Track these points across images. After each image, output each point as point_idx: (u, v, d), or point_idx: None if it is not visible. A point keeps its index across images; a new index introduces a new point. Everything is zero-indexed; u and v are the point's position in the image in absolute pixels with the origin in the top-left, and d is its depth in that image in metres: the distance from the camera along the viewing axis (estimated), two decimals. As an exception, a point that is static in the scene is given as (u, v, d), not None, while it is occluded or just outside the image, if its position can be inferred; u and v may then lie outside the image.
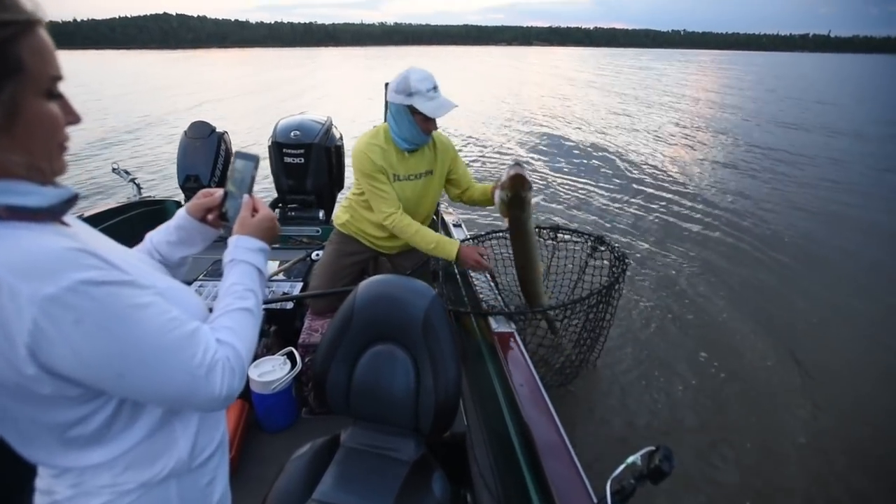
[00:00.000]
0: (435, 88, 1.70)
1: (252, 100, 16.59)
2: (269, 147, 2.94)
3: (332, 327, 1.33)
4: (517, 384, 1.39)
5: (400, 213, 1.82)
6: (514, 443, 1.26)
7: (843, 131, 11.17)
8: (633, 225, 5.27)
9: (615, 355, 2.90)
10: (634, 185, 6.72)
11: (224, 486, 0.75)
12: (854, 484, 2.09)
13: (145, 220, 2.73)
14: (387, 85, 1.80)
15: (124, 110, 13.75)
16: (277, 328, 2.09)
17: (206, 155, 2.96)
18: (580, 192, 6.50)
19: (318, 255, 2.41)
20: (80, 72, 31.30)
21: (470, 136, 10.07)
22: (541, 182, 6.85)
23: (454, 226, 2.71)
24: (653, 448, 0.84)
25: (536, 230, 2.33)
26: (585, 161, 8.17)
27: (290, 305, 2.09)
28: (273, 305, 2.07)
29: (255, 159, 0.84)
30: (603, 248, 2.25)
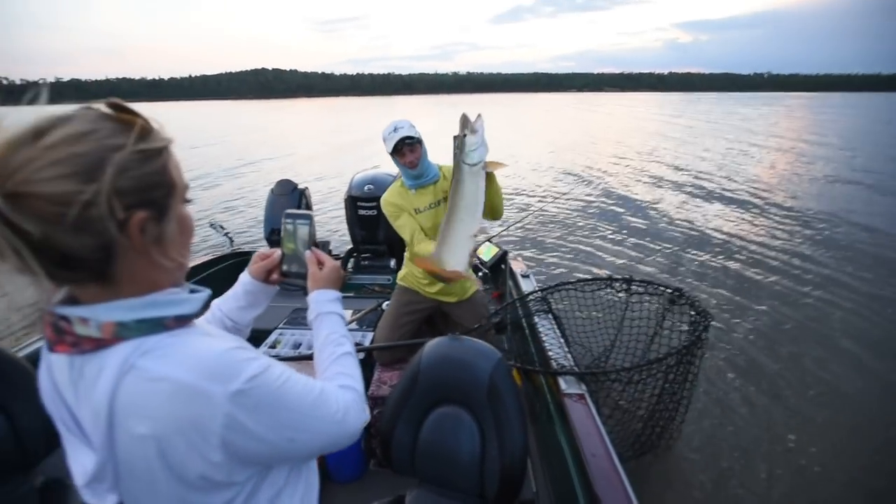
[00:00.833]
0: (395, 129, 1.91)
1: (333, 151, 17.90)
2: (345, 200, 3.14)
3: (399, 386, 1.35)
4: (588, 454, 1.32)
5: (418, 236, 2.01)
6: None
7: None
8: (713, 277, 4.91)
9: (698, 425, 2.66)
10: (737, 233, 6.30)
11: None
12: None
13: (236, 270, 2.99)
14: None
15: (225, 154, 15.68)
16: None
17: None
18: (662, 242, 6.21)
19: (388, 305, 2.49)
20: (193, 121, 35.53)
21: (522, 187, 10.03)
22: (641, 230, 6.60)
23: (522, 276, 2.69)
24: None
25: (608, 281, 2.25)
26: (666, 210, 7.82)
27: (361, 356, 2.15)
28: None
29: (309, 218, 0.89)
30: (682, 303, 2.10)
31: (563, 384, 1.63)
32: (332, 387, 0.70)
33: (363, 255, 3.30)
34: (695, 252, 5.69)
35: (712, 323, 1.93)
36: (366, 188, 3.07)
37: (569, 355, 1.83)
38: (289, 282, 0.91)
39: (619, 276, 2.27)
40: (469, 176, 1.45)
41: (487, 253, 3.23)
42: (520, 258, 3.06)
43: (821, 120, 30.07)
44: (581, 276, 5.10)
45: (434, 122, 25.66)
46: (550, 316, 2.16)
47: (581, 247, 6.02)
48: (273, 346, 2.15)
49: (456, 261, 1.52)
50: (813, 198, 8.33)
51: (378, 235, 3.15)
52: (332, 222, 7.20)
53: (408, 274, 2.27)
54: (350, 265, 3.27)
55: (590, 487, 1.22)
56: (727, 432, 2.65)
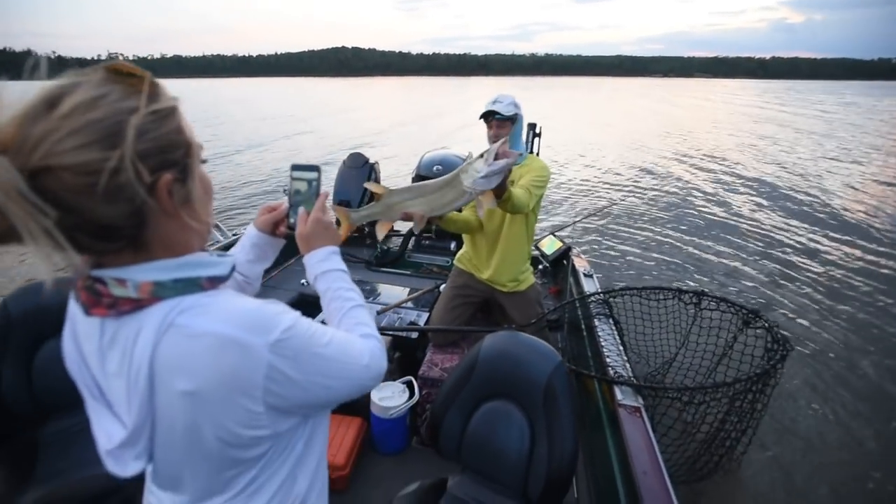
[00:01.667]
0: (494, 102, 1.97)
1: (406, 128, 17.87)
2: (413, 179, 3.16)
3: (455, 373, 1.36)
4: (639, 471, 1.27)
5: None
6: None
7: None
8: (800, 305, 4.50)
9: (761, 454, 2.49)
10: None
11: None
12: None
13: None
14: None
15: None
16: (401, 356, 2.20)
17: (358, 183, 3.30)
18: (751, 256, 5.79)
19: (444, 287, 2.51)
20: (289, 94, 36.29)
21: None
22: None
23: (585, 275, 2.61)
24: None
25: (677, 292, 2.13)
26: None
27: (414, 335, 2.20)
28: (399, 333, 2.20)
29: (315, 169, 0.84)
30: (758, 326, 1.95)
31: (619, 394, 1.58)
32: (354, 336, 0.72)
33: (425, 235, 3.34)
34: (785, 280, 4.97)
35: (792, 349, 1.78)
36: (434, 168, 3.07)
37: (627, 365, 1.76)
38: (294, 234, 0.85)
39: (690, 289, 2.14)
40: (455, 189, 1.31)
41: (550, 246, 3.16)
42: (583, 255, 2.97)
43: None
44: (647, 279, 4.90)
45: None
46: (611, 320, 2.09)
47: (650, 250, 5.74)
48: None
49: (369, 210, 1.28)
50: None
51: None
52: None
53: (463, 255, 2.31)
54: (411, 244, 3.31)
55: (637, 505, 1.18)
56: (794, 465, 2.46)
